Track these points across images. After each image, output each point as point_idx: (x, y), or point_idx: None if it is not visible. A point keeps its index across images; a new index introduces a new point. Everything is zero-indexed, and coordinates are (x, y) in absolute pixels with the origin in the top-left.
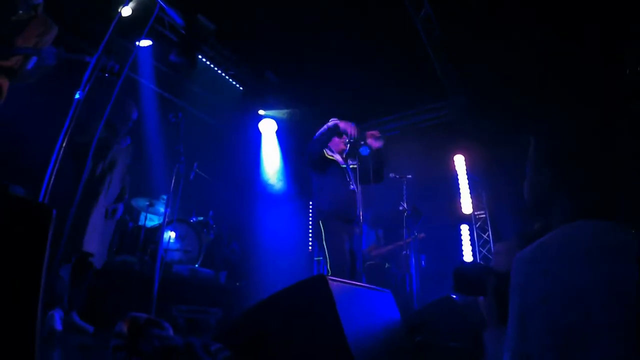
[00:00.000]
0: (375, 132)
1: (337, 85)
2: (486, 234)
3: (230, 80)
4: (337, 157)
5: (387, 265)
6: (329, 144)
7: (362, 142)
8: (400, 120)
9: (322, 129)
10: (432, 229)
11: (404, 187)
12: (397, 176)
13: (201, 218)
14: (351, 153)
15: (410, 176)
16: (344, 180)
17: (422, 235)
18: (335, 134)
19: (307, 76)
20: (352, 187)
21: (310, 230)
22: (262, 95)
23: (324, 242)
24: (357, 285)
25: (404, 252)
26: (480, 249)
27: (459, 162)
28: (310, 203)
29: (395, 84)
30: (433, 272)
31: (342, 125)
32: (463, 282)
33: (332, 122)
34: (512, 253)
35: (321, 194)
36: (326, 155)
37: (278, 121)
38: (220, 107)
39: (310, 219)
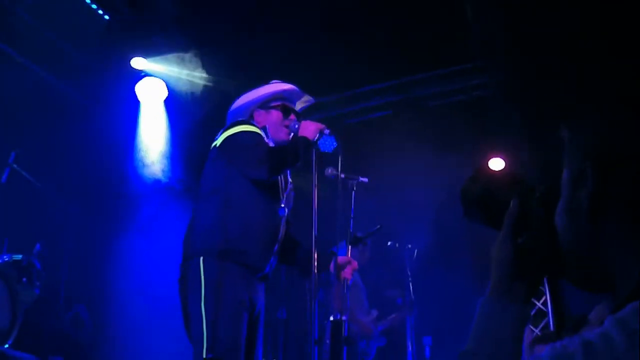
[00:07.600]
0: (320, 125)
1: (279, 26)
2: (542, 300)
3: (87, 0)
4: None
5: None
6: (265, 123)
7: (323, 130)
8: (392, 93)
9: (259, 95)
10: (445, 286)
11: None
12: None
13: (18, 257)
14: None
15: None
16: (272, 194)
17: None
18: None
19: (226, 2)
20: (281, 209)
21: None
22: (143, 32)
23: (202, 304)
24: None
25: (379, 328)
26: (532, 327)
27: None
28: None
29: (387, 30)
30: None
31: (287, 89)
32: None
33: (275, 86)
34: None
35: (222, 213)
36: None
37: (169, 83)
38: (66, 51)
39: None
